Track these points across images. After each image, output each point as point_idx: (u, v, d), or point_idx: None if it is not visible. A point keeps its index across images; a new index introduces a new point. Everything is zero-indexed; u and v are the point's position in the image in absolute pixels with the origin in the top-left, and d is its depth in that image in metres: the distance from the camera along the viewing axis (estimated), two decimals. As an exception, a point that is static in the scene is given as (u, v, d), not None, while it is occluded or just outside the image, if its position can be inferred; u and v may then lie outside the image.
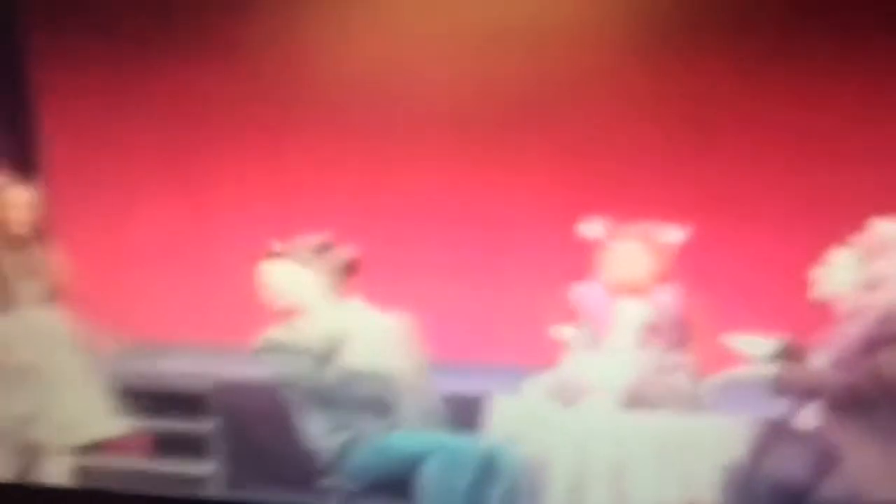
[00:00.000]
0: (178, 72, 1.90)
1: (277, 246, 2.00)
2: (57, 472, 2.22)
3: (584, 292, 1.99)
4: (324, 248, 2.00)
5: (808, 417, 1.92)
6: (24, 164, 2.08)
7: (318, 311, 2.05)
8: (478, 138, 1.91)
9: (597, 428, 2.04)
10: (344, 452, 2.09)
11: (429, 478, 2.04)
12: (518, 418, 2.06)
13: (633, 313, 2.01)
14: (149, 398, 2.18)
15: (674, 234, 1.92)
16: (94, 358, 2.16)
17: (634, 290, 2.00)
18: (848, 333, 1.84)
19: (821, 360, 1.87)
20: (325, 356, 2.03)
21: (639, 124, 1.86)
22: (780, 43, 1.77)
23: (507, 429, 2.06)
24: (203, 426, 2.20)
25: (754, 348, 1.88)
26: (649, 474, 2.04)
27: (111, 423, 2.18)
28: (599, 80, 1.81)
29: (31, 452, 2.21)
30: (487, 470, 2.05)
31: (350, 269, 2.01)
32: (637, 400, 2.02)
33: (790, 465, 1.94)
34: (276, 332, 2.05)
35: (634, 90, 1.81)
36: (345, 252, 2.01)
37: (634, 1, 1.76)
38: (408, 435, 2.08)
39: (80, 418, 2.17)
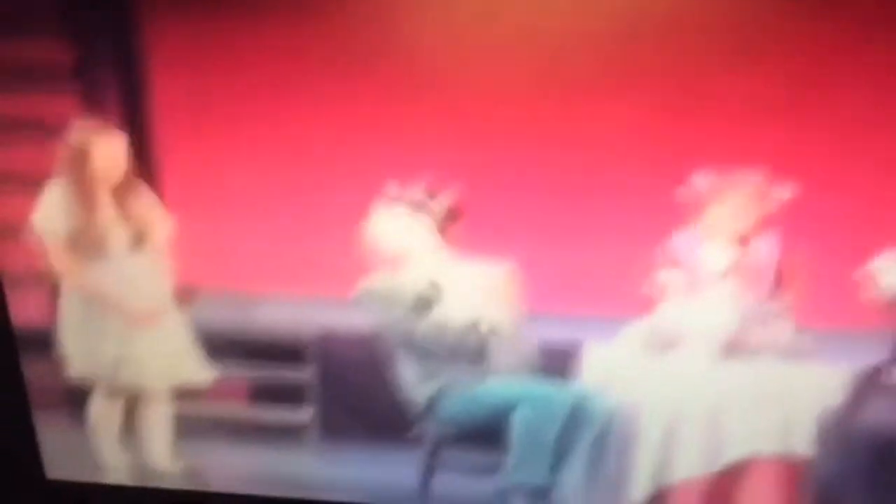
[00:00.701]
0: (282, 19, 1.90)
1: (391, 190, 2.02)
2: (155, 418, 2.31)
3: (683, 240, 1.98)
4: (432, 194, 2.01)
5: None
6: (128, 110, 2.10)
7: (422, 260, 2.08)
8: (576, 86, 1.89)
9: (692, 376, 2.05)
10: (436, 401, 2.14)
11: (519, 425, 2.08)
12: (612, 366, 2.08)
13: (730, 260, 2.00)
14: (247, 347, 2.23)
15: (780, 192, 1.90)
16: (184, 304, 2.21)
17: (735, 240, 1.98)
18: None
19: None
20: (425, 304, 2.07)
21: (743, 76, 1.82)
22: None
23: (601, 377, 2.09)
24: (300, 375, 2.24)
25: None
26: (745, 423, 2.05)
27: (201, 369, 2.24)
28: (704, 26, 1.78)
29: (127, 397, 2.29)
30: (577, 417, 2.07)
31: (454, 216, 2.02)
32: (735, 349, 2.02)
33: (886, 417, 1.94)
34: (377, 280, 2.08)
35: (743, 39, 1.78)
36: (449, 198, 2.02)
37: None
38: (498, 383, 2.11)
39: (169, 363, 2.24)
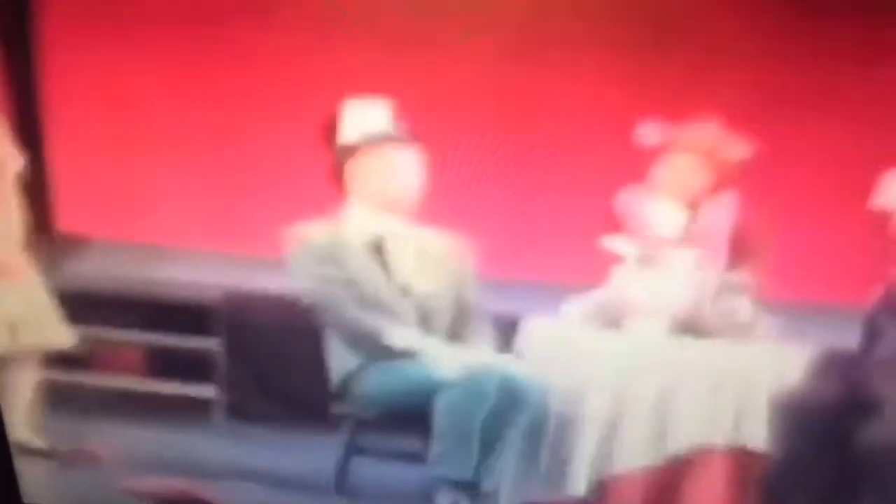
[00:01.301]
0: None
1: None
2: (16, 385, 2.03)
3: (633, 201, 1.80)
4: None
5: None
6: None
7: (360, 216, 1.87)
8: (521, 39, 1.71)
9: (641, 355, 1.88)
10: (356, 377, 1.93)
11: (442, 410, 1.87)
12: (553, 342, 1.90)
13: (682, 224, 1.84)
14: (144, 309, 1.99)
15: (737, 149, 1.75)
16: (52, 257, 1.95)
17: (689, 201, 1.82)
18: None
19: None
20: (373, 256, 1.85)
21: (703, 21, 1.66)
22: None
23: (542, 354, 1.91)
24: (205, 344, 2.01)
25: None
26: (695, 410, 1.88)
27: (63, 331, 1.97)
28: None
29: None
30: (507, 401, 1.88)
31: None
32: (691, 325, 1.85)
33: (836, 404, 1.81)
34: (316, 231, 1.85)
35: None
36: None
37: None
38: (416, 364, 1.91)
39: (26, 322, 1.96)
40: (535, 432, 1.88)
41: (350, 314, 1.86)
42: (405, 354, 1.86)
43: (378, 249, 1.85)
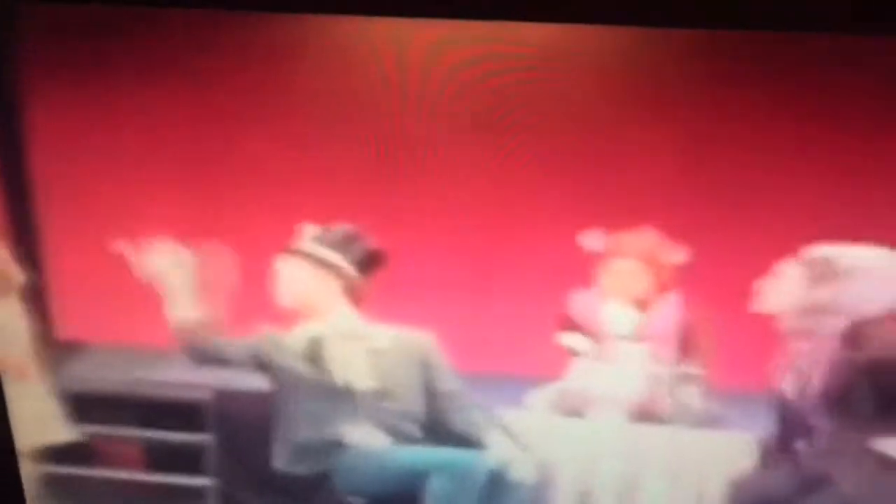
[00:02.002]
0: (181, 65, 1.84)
1: (307, 230, 1.94)
2: (25, 477, 2.17)
3: (584, 302, 1.93)
4: (351, 237, 1.93)
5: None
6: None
7: (332, 317, 2.00)
8: (480, 149, 1.86)
9: (604, 441, 1.99)
10: (330, 473, 2.05)
11: (435, 494, 1.99)
12: (524, 430, 2.01)
13: (633, 324, 1.96)
14: (140, 407, 2.12)
15: (675, 255, 1.86)
16: (56, 361, 2.10)
17: (634, 302, 1.94)
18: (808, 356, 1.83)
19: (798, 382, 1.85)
20: (309, 361, 1.99)
21: (639, 139, 1.80)
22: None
23: (518, 446, 2.02)
24: (198, 438, 2.13)
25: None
26: (658, 489, 1.99)
27: (64, 428, 2.13)
28: (601, 92, 1.76)
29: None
30: (496, 485, 1.99)
31: (376, 262, 1.94)
32: (646, 413, 1.97)
33: (783, 484, 1.91)
34: (265, 338, 2.00)
35: (638, 107, 1.76)
36: (371, 242, 1.94)
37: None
38: (412, 449, 2.03)
39: (34, 421, 2.12)
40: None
41: (303, 427, 2.00)
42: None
43: (315, 352, 1.99)
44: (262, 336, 2.00)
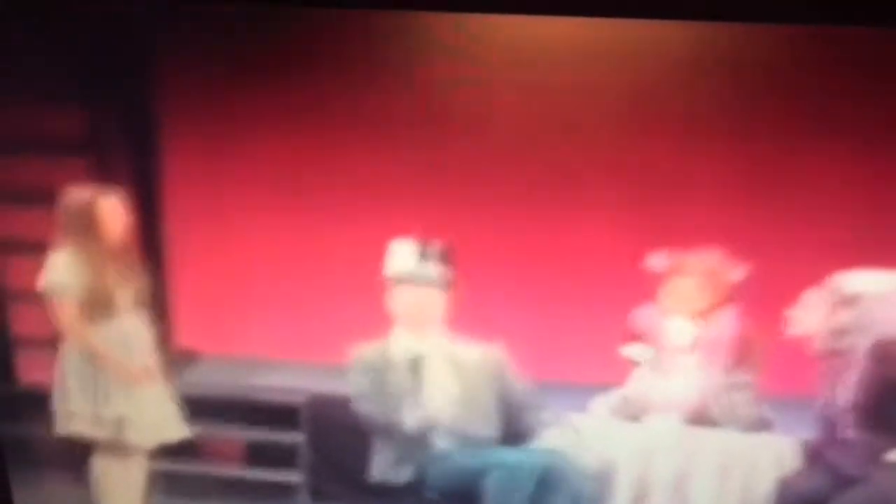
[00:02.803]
0: (293, 91, 2.09)
1: (410, 250, 2.15)
2: (138, 475, 2.43)
3: (647, 316, 2.14)
4: (446, 253, 2.14)
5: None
6: (138, 179, 2.24)
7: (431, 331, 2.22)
8: (548, 179, 2.08)
9: (661, 442, 2.19)
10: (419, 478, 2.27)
11: (489, 492, 2.20)
12: (587, 433, 2.22)
13: (691, 336, 2.16)
14: (243, 409, 2.36)
15: (734, 272, 2.06)
16: (174, 365, 2.34)
17: (692, 315, 2.15)
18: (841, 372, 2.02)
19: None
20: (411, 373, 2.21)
21: (703, 164, 2.02)
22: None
23: (578, 443, 2.23)
24: (293, 437, 2.37)
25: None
26: (709, 488, 2.19)
27: (181, 427, 2.37)
28: (660, 114, 1.97)
29: (124, 454, 2.41)
30: (547, 482, 2.19)
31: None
32: (700, 418, 2.17)
33: (823, 484, 2.10)
34: (368, 348, 2.23)
35: (699, 125, 1.98)
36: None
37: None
38: (468, 451, 2.23)
39: (156, 421, 2.37)
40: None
41: (391, 419, 2.22)
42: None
43: (416, 366, 2.22)
44: (374, 349, 2.23)
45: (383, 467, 2.28)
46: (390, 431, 2.24)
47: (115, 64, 2.08)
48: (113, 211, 2.22)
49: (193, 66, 2.06)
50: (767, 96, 1.91)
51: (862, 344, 2.02)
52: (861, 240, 1.98)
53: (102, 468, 2.42)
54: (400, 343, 2.22)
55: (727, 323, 2.12)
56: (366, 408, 2.24)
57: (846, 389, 2.04)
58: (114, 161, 2.22)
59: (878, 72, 1.87)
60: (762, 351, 2.11)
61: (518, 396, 2.23)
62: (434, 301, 2.18)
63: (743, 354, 2.13)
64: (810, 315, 2.01)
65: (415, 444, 2.23)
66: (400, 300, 2.18)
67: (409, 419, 2.22)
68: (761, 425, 2.15)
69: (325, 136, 2.09)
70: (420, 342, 2.21)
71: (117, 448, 2.39)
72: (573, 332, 2.15)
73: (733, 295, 2.08)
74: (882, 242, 1.98)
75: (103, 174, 2.21)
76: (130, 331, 2.31)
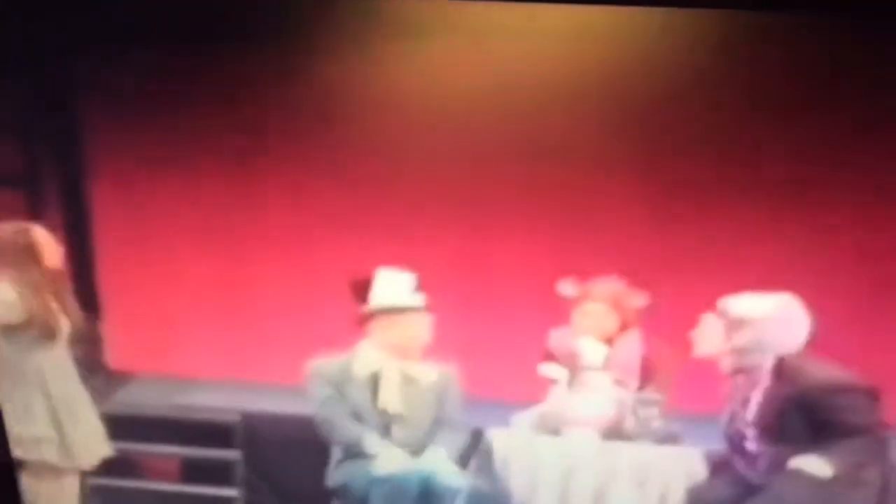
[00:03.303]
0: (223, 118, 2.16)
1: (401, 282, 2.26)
2: (70, 492, 2.46)
3: (563, 337, 2.26)
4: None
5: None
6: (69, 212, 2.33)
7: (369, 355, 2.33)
8: (474, 207, 2.19)
9: (580, 455, 2.30)
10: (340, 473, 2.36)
11: (378, 499, 2.31)
12: (512, 447, 2.33)
13: (602, 356, 2.28)
14: (179, 427, 2.44)
15: (637, 299, 2.21)
16: (103, 389, 2.40)
17: (603, 338, 2.28)
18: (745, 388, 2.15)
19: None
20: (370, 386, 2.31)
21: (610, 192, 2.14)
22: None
23: (503, 457, 2.34)
24: (228, 454, 2.45)
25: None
26: (627, 497, 2.30)
27: (105, 446, 2.42)
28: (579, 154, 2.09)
29: (47, 473, 2.44)
30: (431, 494, 2.30)
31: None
32: (615, 432, 2.29)
33: (730, 493, 2.22)
34: (325, 363, 2.32)
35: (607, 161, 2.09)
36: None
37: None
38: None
39: (85, 443, 2.41)
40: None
41: (341, 425, 2.32)
42: (366, 455, 2.30)
43: (374, 380, 2.32)
44: (334, 364, 2.32)
45: (337, 473, 2.37)
46: (345, 439, 2.33)
47: (45, 100, 2.16)
48: (46, 241, 2.29)
49: (123, 99, 2.13)
50: (668, 130, 2.03)
51: (764, 362, 2.14)
52: (749, 265, 2.12)
53: (32, 487, 2.48)
54: (364, 359, 2.32)
55: (634, 344, 2.24)
56: (325, 415, 2.33)
57: (751, 404, 2.16)
58: (46, 194, 2.29)
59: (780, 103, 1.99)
60: (669, 370, 2.24)
61: (450, 413, 2.33)
62: (423, 327, 2.30)
63: (651, 373, 2.26)
64: (709, 337, 2.14)
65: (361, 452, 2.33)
66: (390, 329, 2.29)
67: (369, 424, 2.31)
68: (671, 439, 2.27)
69: (252, 161, 2.18)
70: (383, 360, 2.32)
71: (44, 468, 2.44)
72: (496, 351, 2.26)
73: (638, 318, 2.21)
74: (769, 267, 2.11)
75: (36, 206, 2.28)
76: (60, 358, 2.35)
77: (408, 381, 2.31)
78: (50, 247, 2.28)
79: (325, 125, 2.11)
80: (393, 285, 2.25)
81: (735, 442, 2.21)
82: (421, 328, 2.29)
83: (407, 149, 2.10)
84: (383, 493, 2.30)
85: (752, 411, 2.17)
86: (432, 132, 2.08)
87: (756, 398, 2.16)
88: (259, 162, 2.20)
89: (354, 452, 2.33)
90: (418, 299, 2.26)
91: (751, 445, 2.18)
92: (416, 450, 2.33)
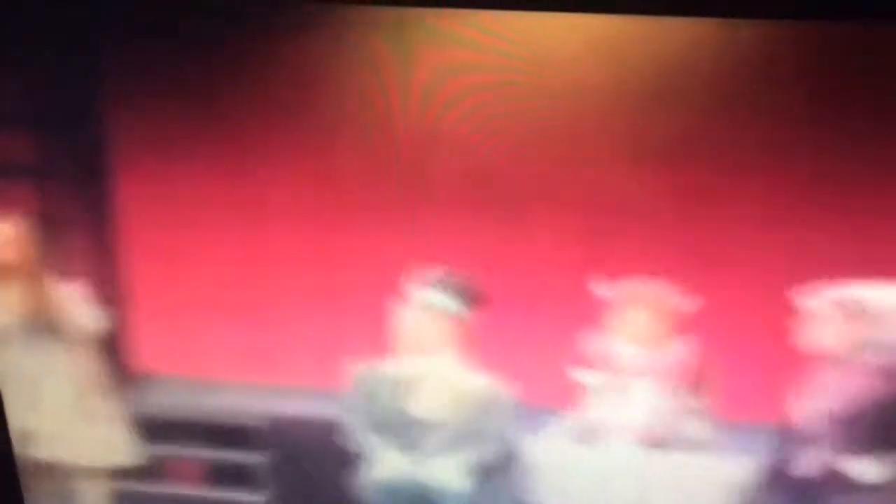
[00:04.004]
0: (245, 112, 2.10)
1: (424, 277, 2.14)
2: (93, 496, 2.44)
3: (597, 340, 2.15)
4: (465, 281, 2.13)
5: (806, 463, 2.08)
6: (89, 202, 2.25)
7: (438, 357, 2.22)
8: (501, 205, 2.09)
9: (618, 466, 2.20)
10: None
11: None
12: (544, 457, 2.23)
13: (643, 362, 2.17)
14: (204, 430, 2.38)
15: (684, 304, 2.06)
16: (127, 392, 2.35)
17: (643, 342, 2.16)
18: (845, 389, 2.00)
19: (818, 410, 2.04)
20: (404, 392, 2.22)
21: (648, 184, 2.02)
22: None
23: (535, 468, 2.24)
24: (253, 458, 2.38)
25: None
26: (667, 511, 2.20)
27: (132, 451, 2.38)
28: (610, 142, 1.98)
29: (64, 477, 2.43)
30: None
31: (478, 300, 2.15)
32: (654, 441, 2.18)
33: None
34: (364, 369, 2.23)
35: (644, 157, 1.99)
36: (472, 280, 2.13)
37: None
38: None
39: (103, 445, 2.38)
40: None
41: (355, 430, 2.24)
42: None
43: (407, 384, 2.23)
44: (369, 369, 2.23)
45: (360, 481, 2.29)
46: (358, 445, 2.25)
47: (63, 85, 2.10)
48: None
49: (145, 86, 2.07)
50: (712, 125, 1.92)
51: (880, 359, 1.99)
52: (813, 256, 1.98)
53: (46, 489, 2.44)
54: (403, 363, 2.23)
55: (678, 350, 2.12)
56: (347, 420, 2.25)
57: (841, 404, 2.02)
58: (63, 186, 2.24)
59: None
60: (715, 375, 2.12)
61: (492, 430, 2.24)
62: (448, 328, 2.18)
63: (695, 381, 2.14)
64: (825, 329, 1.98)
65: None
66: (415, 326, 2.19)
67: (394, 431, 2.23)
68: (716, 448, 2.15)
69: (284, 151, 2.11)
70: (421, 364, 2.22)
71: (58, 468, 2.40)
72: (525, 354, 2.17)
73: (684, 323, 2.09)
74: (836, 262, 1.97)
75: (52, 200, 2.23)
76: (66, 359, 2.32)
77: (448, 388, 2.22)
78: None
79: (358, 108, 2.03)
80: (425, 283, 2.16)
81: (799, 450, 2.08)
82: (446, 329, 2.19)
83: (440, 138, 2.02)
84: (381, 499, 2.22)
85: (839, 413, 2.02)
86: (463, 121, 1.99)
87: (850, 398, 2.01)
88: (291, 151, 2.12)
89: (367, 459, 2.25)
90: (450, 300, 2.17)
91: (821, 454, 2.05)
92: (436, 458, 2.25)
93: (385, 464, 2.23)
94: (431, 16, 1.92)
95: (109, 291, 2.28)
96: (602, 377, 2.16)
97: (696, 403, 2.15)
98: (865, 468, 1.99)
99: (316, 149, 2.07)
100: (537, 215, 2.04)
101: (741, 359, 2.06)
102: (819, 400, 2.03)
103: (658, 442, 2.18)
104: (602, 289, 2.06)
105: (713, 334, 2.08)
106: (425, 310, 2.17)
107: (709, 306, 2.04)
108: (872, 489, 2.02)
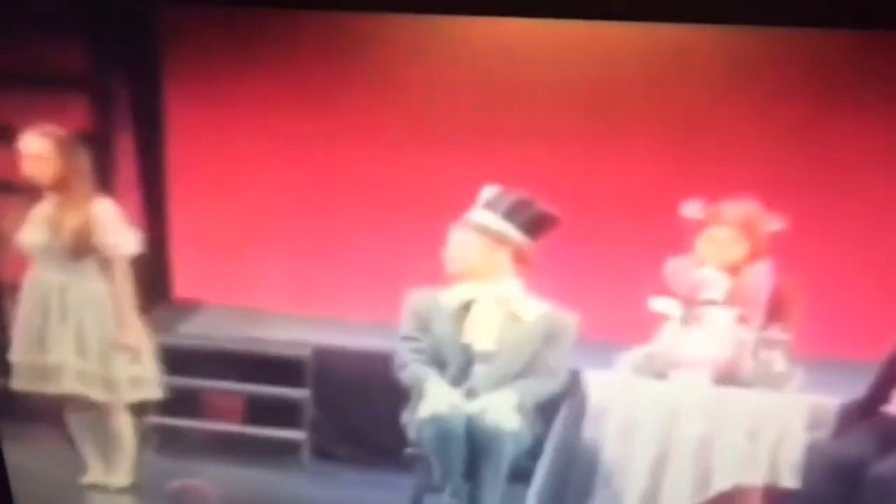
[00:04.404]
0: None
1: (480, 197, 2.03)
2: (127, 430, 2.32)
3: (679, 268, 2.02)
4: (524, 204, 2.03)
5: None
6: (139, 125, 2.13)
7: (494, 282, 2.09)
8: (577, 137, 1.95)
9: (687, 401, 2.08)
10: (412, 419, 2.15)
11: (427, 445, 2.11)
12: (612, 390, 2.11)
13: (723, 289, 2.04)
14: (244, 363, 2.24)
15: (772, 223, 1.94)
16: (165, 321, 2.24)
17: (727, 267, 2.02)
18: None
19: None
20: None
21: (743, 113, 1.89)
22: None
23: (599, 404, 2.12)
24: (296, 393, 2.25)
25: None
26: (734, 453, 2.08)
27: (162, 385, 2.27)
28: (700, 64, 1.84)
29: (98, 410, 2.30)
30: (478, 442, 2.09)
31: (547, 226, 2.04)
32: (729, 376, 2.06)
33: (858, 449, 1.99)
34: (418, 297, 2.10)
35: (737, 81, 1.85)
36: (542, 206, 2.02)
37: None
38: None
39: (133, 380, 2.27)
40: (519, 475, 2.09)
41: (408, 363, 2.11)
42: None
43: (463, 312, 2.09)
44: (424, 295, 2.10)
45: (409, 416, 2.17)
46: (411, 378, 2.13)
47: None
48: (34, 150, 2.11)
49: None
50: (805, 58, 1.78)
51: None
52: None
53: (75, 423, 2.32)
54: (456, 290, 2.10)
55: (762, 276, 1.99)
56: (399, 351, 2.12)
57: None
58: (115, 101, 2.09)
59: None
60: (798, 307, 1.99)
61: (551, 363, 2.11)
62: (498, 253, 2.07)
63: (778, 310, 2.01)
64: None
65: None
66: (465, 248, 2.07)
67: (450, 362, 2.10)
68: (794, 385, 2.03)
69: (332, 79, 1.96)
70: (475, 290, 2.09)
71: (84, 403, 2.27)
72: (602, 284, 2.04)
73: (770, 247, 1.96)
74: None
75: (103, 113, 2.08)
76: (93, 287, 2.20)
77: (507, 315, 2.09)
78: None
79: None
80: (489, 204, 2.02)
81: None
82: (500, 255, 2.06)
83: (516, 52, 1.87)
84: (430, 436, 2.09)
85: None
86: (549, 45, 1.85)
87: None
88: (339, 92, 1.97)
89: (419, 393, 2.12)
90: (509, 225, 2.03)
91: None
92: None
93: (437, 398, 2.09)
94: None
95: (153, 214, 2.14)
96: (680, 306, 2.03)
97: (774, 336, 2.03)
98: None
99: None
100: (629, 133, 1.90)
101: (832, 287, 1.93)
102: None
103: (733, 377, 2.06)
104: (691, 210, 1.92)
105: (795, 261, 1.96)
106: (483, 233, 2.04)
107: (793, 229, 1.92)
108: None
